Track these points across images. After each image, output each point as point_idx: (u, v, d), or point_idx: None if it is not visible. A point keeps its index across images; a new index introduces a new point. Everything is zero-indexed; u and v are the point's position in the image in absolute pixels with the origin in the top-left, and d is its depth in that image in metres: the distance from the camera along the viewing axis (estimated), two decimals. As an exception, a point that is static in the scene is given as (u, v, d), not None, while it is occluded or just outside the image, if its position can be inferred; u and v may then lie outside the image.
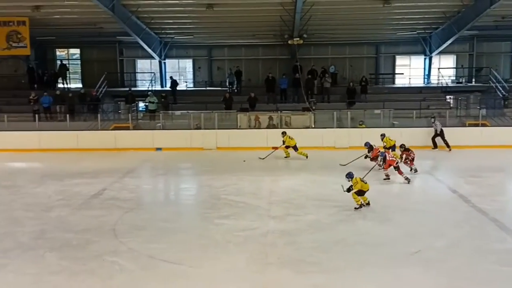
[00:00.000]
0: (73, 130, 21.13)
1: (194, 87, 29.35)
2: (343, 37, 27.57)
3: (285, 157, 17.83)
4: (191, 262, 8.78)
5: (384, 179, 14.43)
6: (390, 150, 15.67)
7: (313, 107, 23.30)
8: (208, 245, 9.68)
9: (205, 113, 21.98)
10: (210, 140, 20.21)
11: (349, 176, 11.60)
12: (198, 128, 21.42)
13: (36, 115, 22.24)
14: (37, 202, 12.88)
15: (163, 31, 26.07)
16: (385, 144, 16.63)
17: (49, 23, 24.31)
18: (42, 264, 8.77)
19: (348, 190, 11.54)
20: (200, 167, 16.96)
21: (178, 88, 27.31)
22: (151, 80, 28.22)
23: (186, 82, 29.99)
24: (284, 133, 17.70)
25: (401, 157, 15.16)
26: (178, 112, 23.69)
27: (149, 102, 23.53)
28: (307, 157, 17.54)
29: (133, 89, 26.39)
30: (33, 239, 10.03)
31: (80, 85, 28.31)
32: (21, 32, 23.73)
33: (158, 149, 20.32)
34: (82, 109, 23.94)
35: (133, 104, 24.06)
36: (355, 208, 11.60)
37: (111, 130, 21.65)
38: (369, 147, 15.66)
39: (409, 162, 15.22)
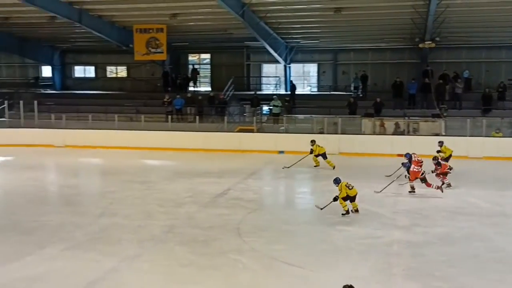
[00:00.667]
0: (202, 131, 22.17)
1: (318, 91, 29.31)
2: (479, 40, 25.82)
3: (315, 166, 17.42)
4: (312, 266, 8.74)
5: (410, 191, 13.58)
6: (444, 160, 14.81)
7: (444, 114, 22.09)
8: (329, 250, 9.58)
9: (329, 118, 21.81)
10: (332, 145, 20.02)
11: (336, 181, 11.69)
12: (321, 132, 21.32)
13: (169, 116, 23.66)
14: (168, 198, 13.67)
15: (289, 36, 26.40)
16: (442, 152, 15.72)
17: (183, 30, 25.79)
18: (172, 257, 9.28)
19: (335, 199, 11.52)
20: (322, 172, 16.85)
21: (302, 92, 27.40)
22: (276, 84, 28.69)
23: (310, 86, 30.07)
24: (313, 142, 17.31)
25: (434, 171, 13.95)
26: (301, 116, 23.79)
27: (273, 105, 23.93)
28: (334, 168, 16.93)
29: (258, 92, 27.01)
30: (164, 233, 10.66)
31: (209, 88, 29.62)
32: (159, 39, 25.45)
33: (281, 152, 20.57)
34: (210, 111, 25.00)
35: (257, 108, 24.63)
36: (342, 214, 11.49)
37: (236, 132, 22.34)
38: (409, 158, 14.00)
39: (441, 176, 13.89)
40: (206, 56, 31.42)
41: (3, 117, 24.52)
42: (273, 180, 17.06)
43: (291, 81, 27.49)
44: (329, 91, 28.55)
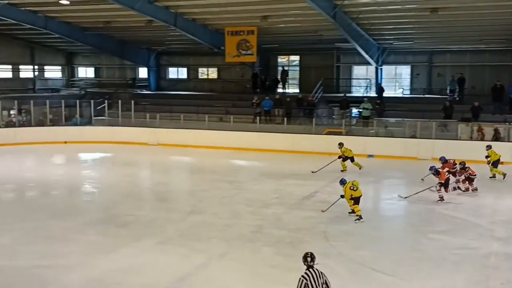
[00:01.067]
0: (289, 132, 22.20)
1: (411, 94, 28.31)
2: None
3: (342, 171, 17.12)
4: (403, 275, 8.45)
5: (438, 200, 13.13)
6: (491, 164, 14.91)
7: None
8: (421, 259, 9.21)
9: (422, 122, 20.99)
10: (426, 150, 19.26)
11: (342, 182, 11.99)
12: (414, 136, 20.57)
13: (257, 117, 23.93)
14: (256, 198, 13.81)
15: (382, 37, 25.73)
16: (489, 156, 15.63)
17: (273, 31, 25.97)
18: (259, 257, 9.36)
19: (342, 196, 11.83)
20: (413, 178, 16.21)
21: (393, 95, 26.56)
22: (367, 86, 28.10)
23: (402, 88, 29.13)
24: (341, 145, 17.28)
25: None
26: (392, 119, 23.10)
27: (363, 108, 23.42)
28: (360, 168, 17.21)
29: (347, 95, 26.59)
30: (252, 232, 10.78)
31: (297, 90, 29.58)
32: (250, 41, 25.80)
33: (370, 156, 20.09)
34: (299, 113, 24.95)
35: (347, 110, 24.24)
36: (356, 220, 11.47)
37: (324, 134, 22.14)
38: (435, 171, 13.66)
39: (467, 182, 13.94)
40: (295, 58, 31.41)
41: (103, 116, 26.05)
42: (361, 185, 16.64)
43: (379, 84, 26.79)
44: (423, 94, 27.47)
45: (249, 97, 26.14)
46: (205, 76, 33.56)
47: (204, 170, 18.13)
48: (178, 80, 33.81)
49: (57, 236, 10.68)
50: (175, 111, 25.35)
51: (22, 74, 33.40)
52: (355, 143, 20.51)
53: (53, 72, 36.11)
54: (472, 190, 14.04)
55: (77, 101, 26.46)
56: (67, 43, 31.37)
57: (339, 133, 21.82)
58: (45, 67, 35.27)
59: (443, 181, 13.25)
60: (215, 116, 24.74)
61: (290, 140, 21.61)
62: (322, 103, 25.70)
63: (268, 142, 21.61)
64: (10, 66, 32.33)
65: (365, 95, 26.36)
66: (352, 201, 11.69)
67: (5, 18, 24.59)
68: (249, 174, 17.49)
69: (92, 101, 25.99)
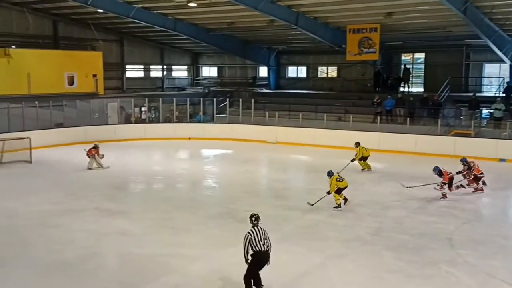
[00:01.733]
0: (412, 133, 21.28)
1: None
2: None
3: (362, 170, 17.31)
4: (541, 292, 7.66)
5: (441, 198, 13.26)
6: None
7: None
8: None
9: None
10: None
11: (329, 174, 12.54)
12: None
13: (378, 117, 23.22)
14: (375, 200, 13.41)
15: (518, 32, 23.71)
16: None
17: (398, 28, 25.03)
18: (378, 260, 9.04)
19: (329, 192, 12.22)
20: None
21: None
22: (499, 85, 26.03)
23: (540, 88, 26.57)
24: (357, 144, 17.36)
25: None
26: (528, 121, 21.17)
27: (495, 109, 21.71)
28: (367, 169, 17.34)
29: (477, 94, 24.84)
30: (370, 235, 10.46)
31: (421, 89, 28.25)
32: (372, 38, 25.11)
33: (502, 160, 18.65)
34: (422, 113, 23.79)
35: (476, 111, 22.64)
36: (334, 208, 12.09)
37: (451, 136, 20.90)
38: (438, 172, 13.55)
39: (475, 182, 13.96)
40: (420, 56, 29.97)
41: (225, 114, 26.97)
42: (491, 190, 15.45)
43: (507, 82, 24.62)
44: None
45: (370, 96, 25.46)
46: (325, 75, 33.29)
47: (322, 169, 17.88)
48: (297, 79, 33.91)
49: (180, 227, 11.20)
50: (293, 110, 25.46)
51: (153, 74, 35.62)
52: (485, 146, 19.26)
53: (180, 72, 38.08)
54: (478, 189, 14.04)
55: (201, 99, 27.72)
56: (193, 43, 32.89)
57: (467, 135, 20.51)
58: (173, 67, 37.32)
59: (446, 181, 13.44)
60: (334, 115, 24.44)
61: (413, 141, 20.74)
62: (448, 103, 24.26)
63: (389, 143, 20.93)
64: (142, 66, 34.64)
65: (497, 94, 24.42)
66: (336, 193, 12.29)
67: (138, 21, 26.36)
68: (368, 175, 17.00)
69: (214, 99, 27.04)
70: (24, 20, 25.95)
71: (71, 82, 26.75)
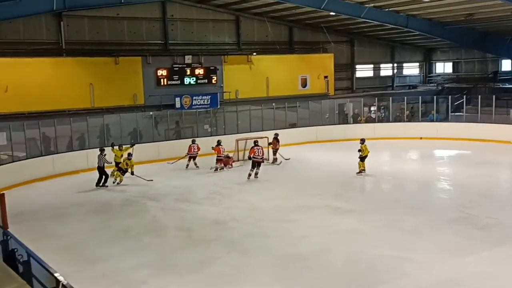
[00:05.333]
0: None
1: None
2: None
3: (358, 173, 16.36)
4: None
5: None
6: None
7: None
8: None
9: None
10: None
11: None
12: None
13: None
14: None
15: None
16: None
17: None
18: None
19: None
20: None
21: None
22: None
23: None
24: (363, 141, 16.71)
25: None
26: None
27: None
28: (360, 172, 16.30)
29: None
30: None
31: None
32: None
33: None
34: None
35: None
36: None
37: None
38: None
39: None
40: None
41: (461, 112, 25.14)
42: None
43: None
44: None
45: None
46: None
47: None
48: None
49: (411, 230, 10.80)
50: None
51: (382, 73, 35.21)
52: None
53: (411, 69, 36.87)
54: None
55: (434, 97, 26.30)
56: (426, 39, 31.52)
57: None
58: (404, 64, 36.31)
59: None
60: None
61: None
62: None
63: None
64: (371, 66, 34.51)
65: None
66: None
67: (369, 20, 26.30)
68: None
69: (449, 97, 25.36)
70: (263, 28, 28.18)
71: (304, 84, 28.11)
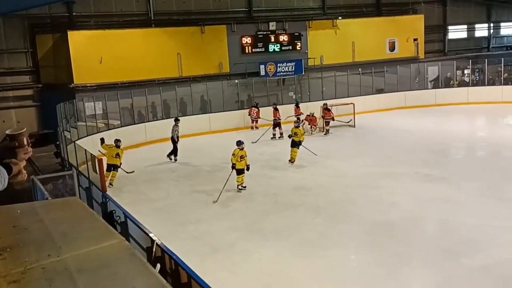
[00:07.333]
0: None
1: None
2: None
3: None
4: None
5: None
6: None
7: None
8: None
9: None
10: None
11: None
12: None
13: None
14: None
15: None
16: None
17: None
18: None
19: None
20: None
21: None
22: None
23: None
24: (297, 124, 15.27)
25: None
26: None
27: None
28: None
29: None
30: None
31: None
32: None
33: None
34: None
35: None
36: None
37: None
38: None
39: None
40: None
41: None
42: None
43: None
44: None
45: None
46: None
47: None
48: None
49: (510, 198, 10.19)
50: None
51: (477, 33, 33.00)
52: None
53: (510, 29, 34.26)
54: None
55: (535, 57, 24.39)
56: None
57: None
58: (501, 24, 33.78)
59: None
60: None
61: None
62: None
63: None
64: (465, 26, 32.43)
65: None
66: None
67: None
68: None
69: (553, 57, 23.44)
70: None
71: (392, 48, 27.03)
